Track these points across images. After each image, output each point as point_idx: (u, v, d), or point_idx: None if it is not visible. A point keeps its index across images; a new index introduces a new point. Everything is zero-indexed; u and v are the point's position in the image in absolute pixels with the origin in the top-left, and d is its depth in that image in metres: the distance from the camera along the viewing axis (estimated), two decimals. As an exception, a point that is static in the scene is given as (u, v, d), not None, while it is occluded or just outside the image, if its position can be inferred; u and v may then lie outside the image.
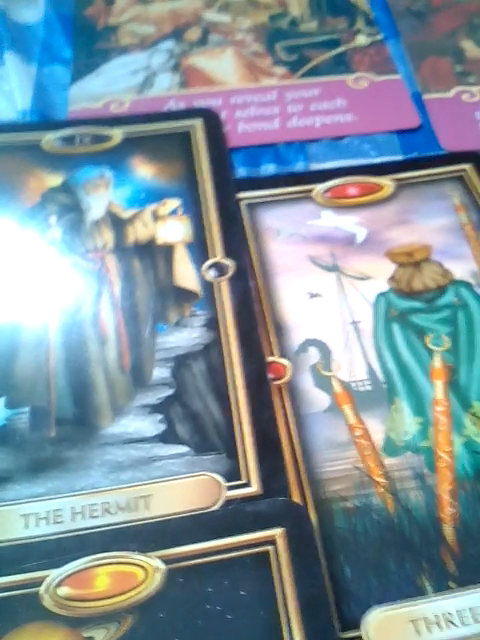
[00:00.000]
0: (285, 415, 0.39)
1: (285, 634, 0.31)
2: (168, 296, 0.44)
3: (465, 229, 0.47)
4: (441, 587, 0.33)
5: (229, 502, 0.35)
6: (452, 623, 0.31)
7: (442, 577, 0.33)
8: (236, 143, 0.53)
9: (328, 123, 0.54)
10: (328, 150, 0.53)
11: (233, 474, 0.36)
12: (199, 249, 0.45)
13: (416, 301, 0.43)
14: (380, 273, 0.45)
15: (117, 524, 0.35)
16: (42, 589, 0.32)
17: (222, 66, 0.60)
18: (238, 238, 0.46)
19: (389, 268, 0.45)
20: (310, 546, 0.33)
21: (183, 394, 0.39)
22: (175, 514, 0.35)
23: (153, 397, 0.39)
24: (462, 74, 0.58)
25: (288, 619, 0.31)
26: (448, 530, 0.35)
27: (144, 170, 0.50)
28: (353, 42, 0.61)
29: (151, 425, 0.38)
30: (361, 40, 0.61)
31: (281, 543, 0.33)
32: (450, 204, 0.48)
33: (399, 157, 0.52)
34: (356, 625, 0.32)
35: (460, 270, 0.45)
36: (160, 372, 0.40)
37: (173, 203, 0.48)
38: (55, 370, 0.40)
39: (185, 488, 0.36)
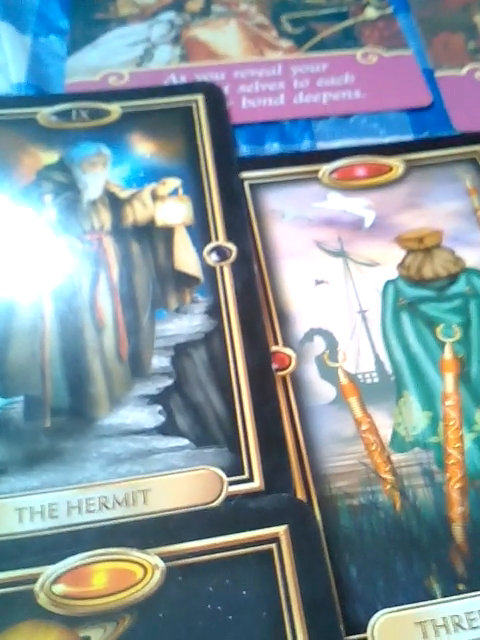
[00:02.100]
0: (289, 407, 0.38)
1: (288, 636, 0.30)
2: (168, 281, 0.42)
3: (477, 214, 0.45)
4: (449, 589, 0.32)
5: (231, 498, 0.34)
6: (460, 626, 0.31)
7: (450, 579, 0.32)
8: (239, 120, 0.51)
9: (335, 100, 0.53)
10: (335, 128, 0.51)
11: (235, 469, 0.35)
12: (200, 231, 0.44)
13: (426, 289, 0.42)
14: (389, 259, 0.43)
15: (115, 519, 0.34)
16: (37, 586, 0.31)
17: (225, 38, 0.58)
18: (241, 220, 0.45)
19: (398, 254, 0.44)
20: (314, 545, 0.33)
21: (183, 384, 0.38)
22: (175, 509, 0.34)
23: (152, 387, 0.38)
24: (475, 51, 0.56)
25: (291, 620, 0.30)
26: (457, 530, 0.34)
27: (143, 147, 0.48)
28: (362, 15, 0.59)
29: (150, 416, 0.37)
30: (370, 13, 0.59)
31: (285, 541, 0.32)
32: (462, 187, 0.47)
33: (409, 137, 0.51)
34: (362, 627, 0.31)
35: (472, 257, 0.43)
36: (159, 361, 0.39)
37: (173, 183, 0.46)
38: (50, 358, 0.39)
39: (185, 482, 0.35)
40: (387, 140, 0.50)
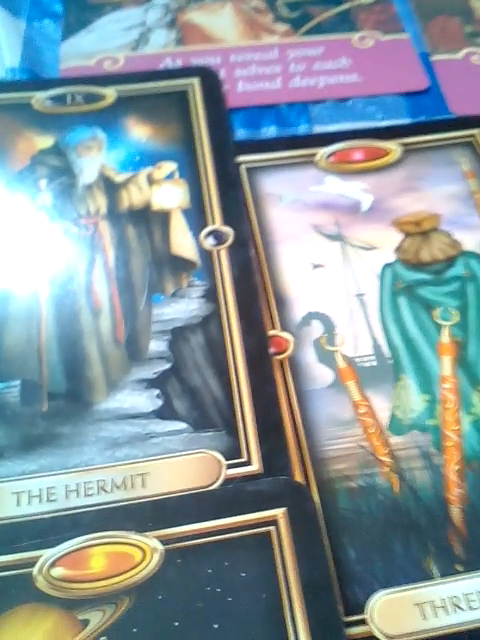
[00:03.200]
0: (287, 391, 0.37)
1: (287, 617, 0.30)
2: (164, 265, 0.42)
3: (475, 197, 0.45)
4: (448, 570, 0.32)
5: (229, 481, 0.34)
6: (459, 607, 0.31)
7: (449, 560, 0.32)
8: (236, 103, 0.51)
9: (332, 83, 0.52)
10: (332, 112, 0.51)
11: (233, 452, 0.35)
12: (197, 215, 0.44)
13: (424, 273, 0.42)
14: (386, 243, 0.43)
15: (113, 502, 0.33)
16: (35, 570, 0.31)
17: (221, 22, 0.57)
18: (237, 204, 0.44)
19: (396, 238, 0.43)
20: (313, 527, 0.32)
21: (181, 368, 0.38)
22: (173, 493, 0.34)
23: (149, 371, 0.38)
24: (472, 35, 0.56)
25: (290, 602, 0.30)
26: (455, 511, 0.34)
27: (139, 131, 0.48)
28: (358, -1, 0.59)
29: (148, 400, 0.37)
30: (367, -4, 0.59)
31: (283, 523, 0.32)
32: (459, 171, 0.47)
33: (406, 120, 0.51)
34: (360, 609, 0.31)
35: (470, 240, 0.43)
36: (156, 345, 0.39)
37: (169, 166, 0.46)
38: (47, 342, 0.39)
39: (183, 466, 0.35)
40: (384, 124, 0.50)
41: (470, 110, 0.51)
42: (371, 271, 0.42)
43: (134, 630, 0.30)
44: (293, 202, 0.45)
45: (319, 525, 0.33)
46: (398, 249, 0.43)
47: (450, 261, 0.42)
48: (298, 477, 0.35)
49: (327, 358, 0.39)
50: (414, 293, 0.41)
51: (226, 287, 0.41)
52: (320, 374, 0.38)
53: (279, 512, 0.33)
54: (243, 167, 0.47)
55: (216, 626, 0.30)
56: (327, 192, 0.46)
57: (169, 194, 0.45)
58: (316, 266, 0.42)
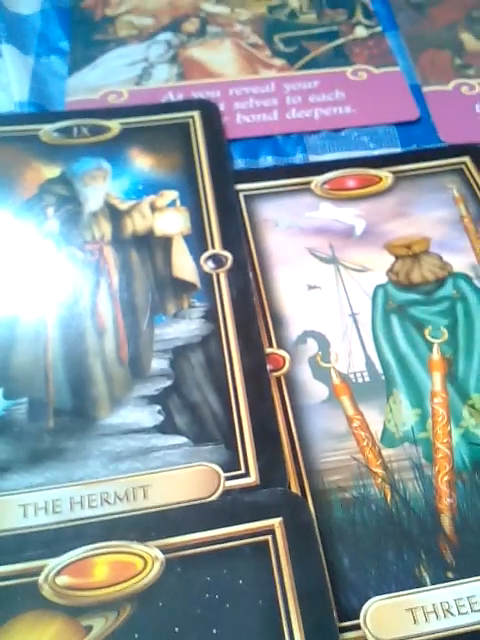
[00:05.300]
0: (284, 406, 0.39)
1: (284, 623, 0.31)
2: (166, 288, 0.44)
3: (464, 222, 0.47)
4: (439, 577, 0.33)
5: (227, 492, 0.35)
6: (449, 612, 0.32)
7: (440, 567, 0.33)
8: (234, 135, 0.53)
9: (327, 115, 0.54)
10: (327, 142, 0.53)
11: (231, 464, 0.36)
12: (197, 240, 0.45)
13: (414, 293, 0.43)
14: (379, 265, 0.45)
15: (116, 514, 0.35)
16: (41, 578, 0.32)
17: (220, 57, 0.60)
18: (236, 229, 0.46)
19: (388, 260, 0.45)
20: (309, 536, 0.33)
21: (182, 385, 0.39)
22: (174, 504, 0.35)
23: (151, 388, 0.39)
24: (461, 67, 0.58)
25: (287, 608, 0.31)
26: (446, 520, 0.35)
27: (142, 161, 0.50)
28: (352, 34, 0.61)
29: (149, 416, 0.38)
30: (360, 32, 0.61)
31: (279, 533, 0.33)
32: (449, 196, 0.48)
33: (398, 149, 0.52)
34: (354, 614, 0.32)
35: (459, 262, 0.45)
36: (158, 363, 0.40)
37: (171, 195, 0.48)
38: (53, 362, 0.40)
39: (183, 478, 0.36)
40: (376, 153, 0.52)
41: (459, 138, 0.53)
42: (364, 292, 0.44)
43: (136, 636, 0.31)
44: (289, 227, 0.47)
45: (314, 534, 0.34)
46: (390, 271, 0.45)
47: (440, 282, 0.44)
48: (294, 488, 0.36)
49: (322, 374, 0.40)
50: (405, 312, 0.43)
51: (225, 308, 0.42)
52: (315, 390, 0.40)
53: (276, 522, 0.34)
54: (241, 195, 0.49)
55: (215, 631, 0.31)
56: (322, 217, 0.48)
57: (171, 221, 0.46)
58: (311, 287, 0.44)
